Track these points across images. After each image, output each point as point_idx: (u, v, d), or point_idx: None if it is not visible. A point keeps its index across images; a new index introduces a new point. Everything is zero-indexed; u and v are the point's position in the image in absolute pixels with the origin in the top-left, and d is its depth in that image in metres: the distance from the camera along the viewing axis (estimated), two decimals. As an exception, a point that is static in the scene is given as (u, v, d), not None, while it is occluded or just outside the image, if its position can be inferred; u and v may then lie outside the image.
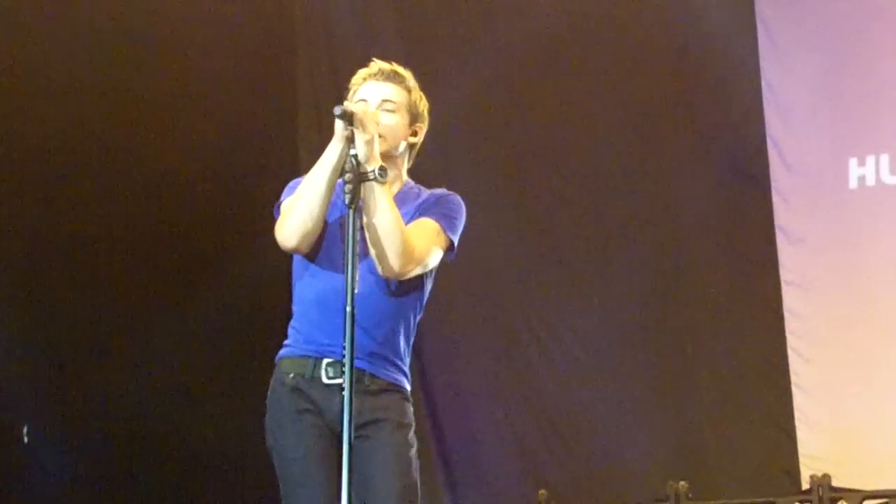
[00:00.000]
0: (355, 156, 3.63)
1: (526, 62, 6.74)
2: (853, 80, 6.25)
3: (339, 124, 3.66)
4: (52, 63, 6.47)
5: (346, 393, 3.50)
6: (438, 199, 3.88)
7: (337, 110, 3.64)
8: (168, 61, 6.64)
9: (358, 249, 3.56)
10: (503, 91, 6.76)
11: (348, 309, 3.51)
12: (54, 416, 6.45)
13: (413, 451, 3.80)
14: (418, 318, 3.89)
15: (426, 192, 3.92)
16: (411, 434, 3.81)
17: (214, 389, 6.57)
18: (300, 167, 6.70)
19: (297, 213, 3.73)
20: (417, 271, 3.78)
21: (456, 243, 3.86)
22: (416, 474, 3.78)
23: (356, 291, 3.56)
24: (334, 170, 3.68)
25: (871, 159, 6.19)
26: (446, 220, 3.84)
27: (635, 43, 6.59)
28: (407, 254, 3.69)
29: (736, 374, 6.39)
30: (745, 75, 6.37)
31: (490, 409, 6.69)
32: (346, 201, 3.57)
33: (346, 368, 3.50)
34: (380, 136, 3.73)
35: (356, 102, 3.83)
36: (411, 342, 3.89)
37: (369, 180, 3.64)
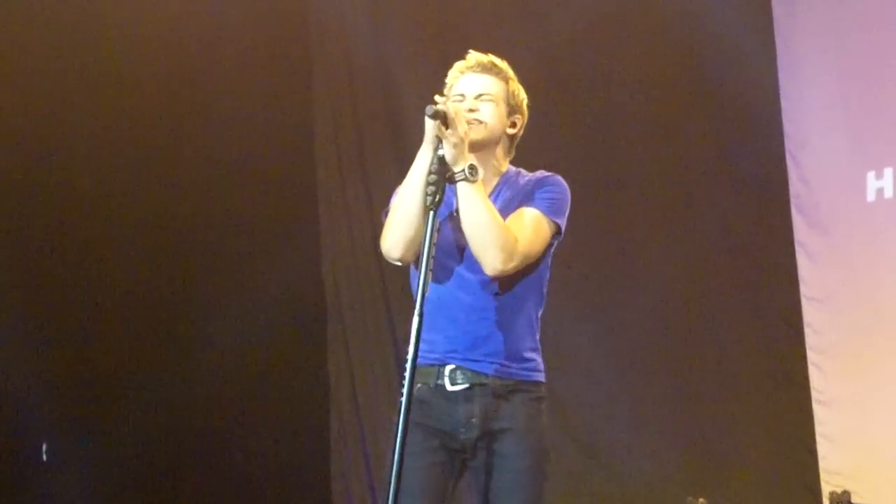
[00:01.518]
0: (441, 157, 3.60)
1: (543, 71, 6.71)
2: (870, 93, 6.21)
3: (429, 124, 3.61)
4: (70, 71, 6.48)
5: (403, 399, 3.46)
6: (538, 183, 3.82)
7: (428, 110, 3.59)
8: (185, 70, 6.65)
9: (434, 252, 3.52)
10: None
11: (416, 313, 3.49)
12: (74, 434, 6.44)
13: (545, 458, 3.72)
14: (541, 308, 3.82)
15: (525, 177, 3.86)
16: (543, 440, 3.73)
17: (235, 407, 6.57)
18: (316, 173, 6.72)
19: (397, 223, 3.69)
20: (523, 264, 3.71)
21: (563, 225, 3.80)
22: (543, 486, 3.71)
23: (461, 293, 3.61)
24: (429, 170, 3.63)
25: (888, 171, 6.15)
26: (547, 204, 3.77)
27: (655, 58, 6.56)
28: (508, 250, 3.63)
29: (756, 390, 6.35)
30: (764, 91, 6.34)
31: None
32: (427, 203, 3.56)
33: (407, 375, 3.48)
34: (479, 126, 3.72)
35: (454, 97, 3.80)
36: (538, 335, 3.81)
37: (459, 180, 3.61)
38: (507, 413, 3.68)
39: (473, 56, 3.88)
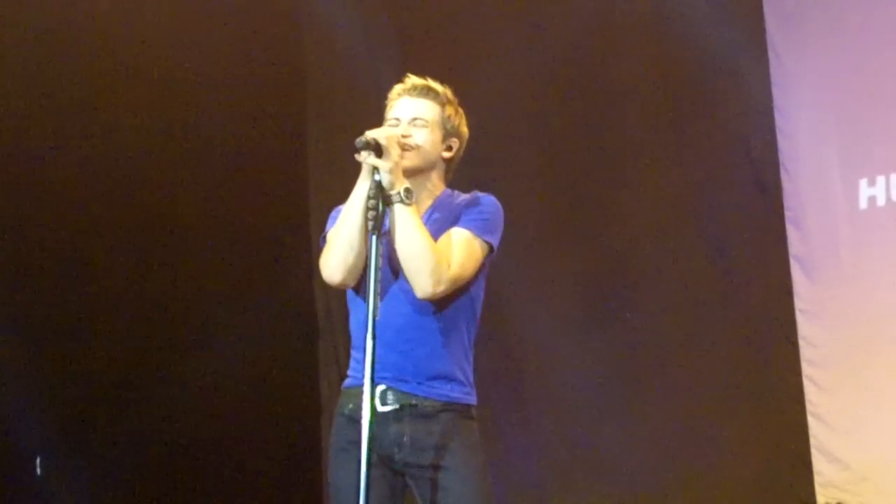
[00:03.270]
0: (379, 182, 3.63)
1: (540, 81, 6.75)
2: (862, 101, 6.26)
3: (362, 156, 3.65)
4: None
5: (364, 423, 3.50)
6: (468, 204, 3.83)
7: (358, 143, 3.63)
8: (176, 78, 6.62)
9: (380, 276, 3.56)
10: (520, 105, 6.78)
11: (369, 337, 3.51)
12: (68, 448, 6.42)
13: (481, 469, 3.75)
14: (474, 328, 3.84)
15: (457, 198, 3.88)
16: (477, 453, 3.76)
17: (229, 422, 6.55)
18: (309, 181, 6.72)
19: (338, 250, 3.72)
20: (454, 287, 3.73)
21: (495, 244, 3.82)
22: (491, 492, 3.74)
23: (395, 315, 3.61)
24: (367, 200, 3.66)
25: (881, 179, 6.18)
26: (478, 224, 3.79)
27: (649, 72, 6.60)
28: (438, 274, 3.66)
29: (751, 403, 6.36)
30: (758, 105, 6.38)
31: (502, 429, 6.65)
32: (369, 228, 3.58)
33: (365, 399, 3.51)
34: (411, 152, 3.74)
35: (389, 121, 3.84)
36: (471, 356, 3.83)
37: (394, 203, 3.64)
38: (438, 430, 3.70)
39: (410, 79, 3.91)
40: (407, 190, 3.65)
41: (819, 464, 6.19)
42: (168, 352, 6.52)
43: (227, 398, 6.59)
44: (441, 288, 3.67)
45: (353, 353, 3.84)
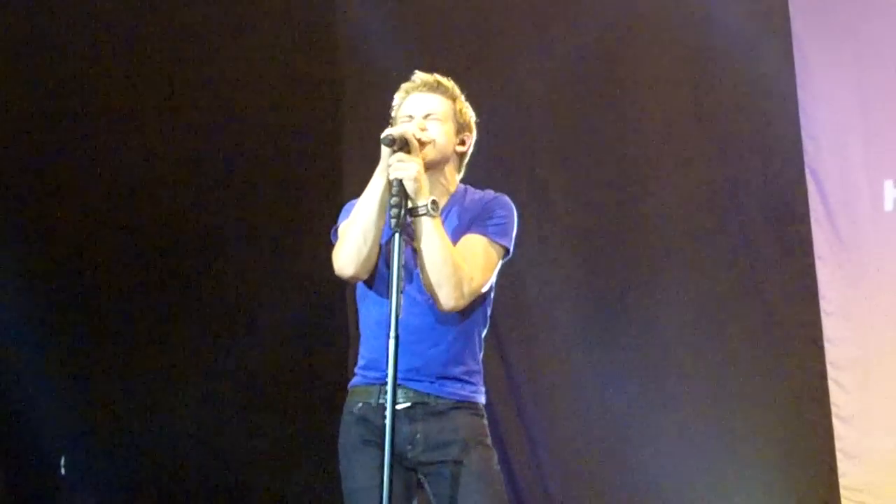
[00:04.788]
0: (400, 180, 3.65)
1: (557, 88, 6.73)
2: (888, 102, 6.23)
3: (385, 152, 3.69)
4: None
5: (388, 421, 3.55)
6: (484, 207, 3.88)
7: (385, 139, 3.67)
8: (213, 77, 6.68)
9: (403, 274, 3.59)
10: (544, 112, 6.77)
11: (391, 334, 3.55)
12: (92, 448, 6.44)
13: (493, 465, 3.81)
14: (485, 330, 3.90)
15: (470, 196, 3.92)
16: (488, 449, 3.82)
17: (255, 424, 6.55)
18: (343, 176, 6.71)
19: (352, 242, 3.75)
20: (475, 297, 3.79)
21: (510, 247, 3.87)
22: (502, 485, 3.80)
23: (408, 315, 3.62)
24: (383, 195, 3.70)
25: (906, 179, 6.18)
26: (494, 229, 3.84)
27: (672, 77, 6.58)
28: (461, 288, 3.71)
29: (775, 405, 6.33)
30: (783, 107, 6.34)
31: (517, 439, 6.65)
32: (392, 225, 3.61)
33: (388, 396, 3.56)
34: (427, 146, 3.78)
35: (402, 118, 3.88)
36: (480, 354, 3.89)
37: (421, 215, 3.67)
38: (450, 427, 3.76)
39: (419, 76, 3.96)
40: (434, 202, 3.68)
41: (843, 466, 6.16)
42: (198, 351, 6.52)
43: (257, 397, 6.59)
44: (463, 301, 3.75)
45: (361, 350, 3.90)
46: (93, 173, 6.52)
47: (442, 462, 3.76)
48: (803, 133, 6.34)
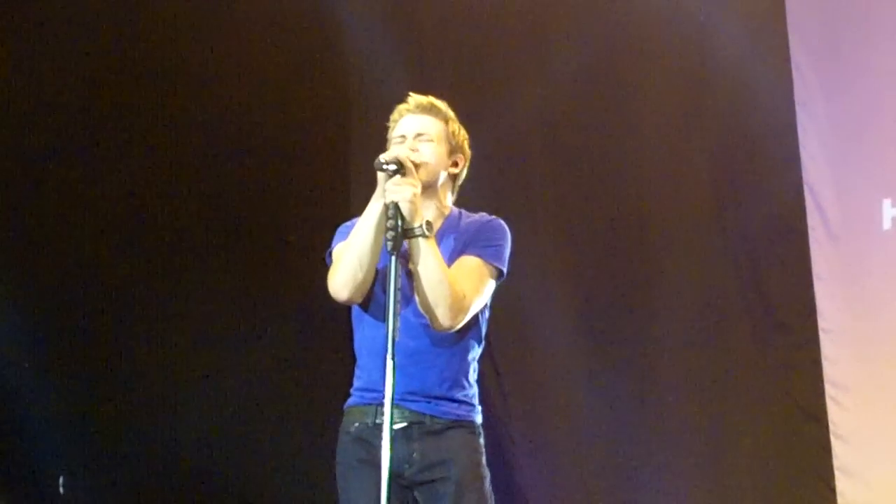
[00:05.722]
0: (396, 203, 3.67)
1: (557, 104, 6.74)
2: (886, 121, 6.24)
3: (381, 176, 3.74)
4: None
5: (384, 442, 3.57)
6: (478, 230, 3.92)
7: (379, 163, 3.72)
8: (223, 80, 6.69)
9: (399, 297, 3.63)
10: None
11: (389, 357, 3.57)
12: (91, 467, 6.43)
13: (486, 484, 3.85)
14: (479, 350, 3.94)
15: (465, 220, 3.95)
16: (482, 468, 3.86)
17: (262, 443, 6.54)
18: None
19: (347, 266, 3.78)
20: (469, 318, 3.82)
21: (505, 269, 3.91)
22: (487, 496, 3.83)
23: (404, 337, 3.66)
24: (380, 220, 3.73)
25: (904, 199, 6.19)
26: (489, 251, 3.88)
27: (671, 94, 6.58)
28: (455, 307, 3.75)
29: (773, 423, 6.34)
30: (781, 124, 6.35)
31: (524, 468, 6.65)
32: (388, 248, 3.64)
33: (386, 418, 3.58)
34: (420, 168, 3.79)
35: (395, 139, 3.92)
36: (476, 374, 3.93)
37: (416, 236, 3.70)
38: (445, 446, 3.80)
39: (413, 98, 3.99)
40: (428, 223, 3.72)
41: (842, 485, 6.16)
42: (200, 369, 6.49)
43: (261, 414, 6.57)
44: (458, 321, 3.79)
45: (357, 371, 3.94)
46: (93, 176, 6.50)
47: (436, 480, 3.80)
48: (802, 151, 6.35)
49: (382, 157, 3.74)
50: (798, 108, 6.35)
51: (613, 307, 6.63)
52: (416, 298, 3.76)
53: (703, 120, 6.58)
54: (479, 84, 6.68)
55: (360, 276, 3.77)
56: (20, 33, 6.43)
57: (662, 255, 6.58)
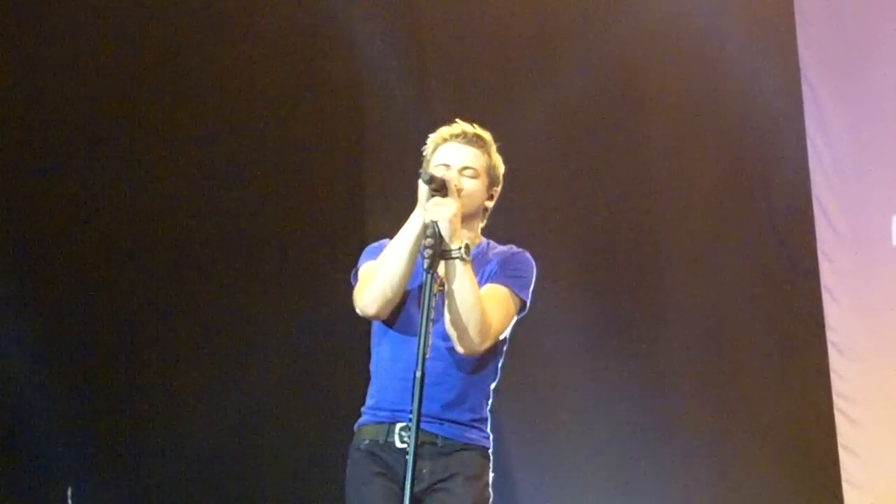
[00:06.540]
0: (436, 223, 3.66)
1: (567, 111, 6.74)
2: (894, 135, 6.28)
3: (423, 190, 3.71)
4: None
5: (409, 457, 3.56)
6: (506, 260, 3.93)
7: (425, 176, 3.69)
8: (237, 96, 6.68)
9: (433, 315, 3.62)
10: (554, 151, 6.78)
11: (418, 374, 3.56)
12: (99, 478, 6.39)
13: (488, 495, 3.86)
14: (495, 381, 3.95)
15: (493, 251, 3.96)
16: (486, 487, 3.87)
17: (269, 454, 6.52)
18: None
19: (379, 282, 3.78)
20: (493, 343, 3.85)
21: (528, 301, 3.92)
22: None
23: (428, 357, 3.62)
24: (418, 238, 3.72)
25: (914, 214, 6.22)
26: (515, 281, 3.90)
27: (682, 105, 6.60)
28: (484, 332, 3.76)
29: (782, 436, 6.36)
30: (791, 138, 6.39)
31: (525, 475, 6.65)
32: (425, 266, 3.63)
33: (412, 434, 3.55)
34: (463, 199, 3.78)
35: (437, 164, 3.89)
36: (489, 404, 3.94)
37: (453, 258, 3.70)
38: (454, 462, 3.81)
39: (459, 125, 3.97)
40: (467, 246, 3.72)
41: (850, 497, 6.20)
42: (206, 381, 6.46)
43: (266, 427, 6.54)
44: (483, 347, 3.80)
45: (371, 389, 3.93)
46: (97, 184, 6.48)
47: (443, 490, 3.80)
48: (811, 164, 6.38)
49: (431, 172, 3.73)
50: (807, 122, 6.39)
51: (622, 319, 6.64)
52: (444, 319, 3.76)
53: (712, 132, 6.60)
54: (488, 92, 6.68)
55: (389, 294, 3.77)
56: (25, 46, 6.41)
57: (671, 266, 6.60)
